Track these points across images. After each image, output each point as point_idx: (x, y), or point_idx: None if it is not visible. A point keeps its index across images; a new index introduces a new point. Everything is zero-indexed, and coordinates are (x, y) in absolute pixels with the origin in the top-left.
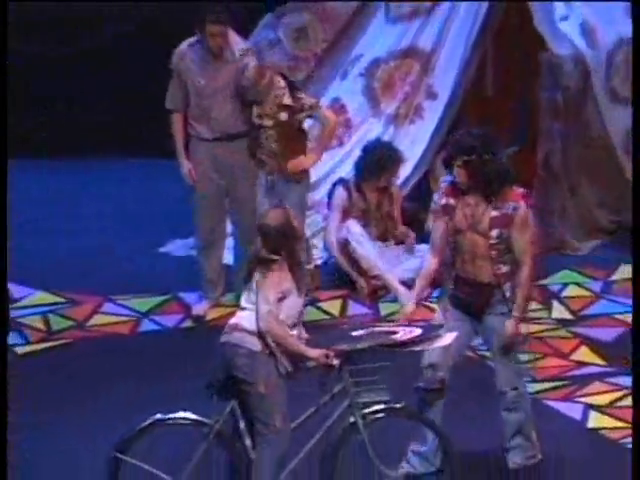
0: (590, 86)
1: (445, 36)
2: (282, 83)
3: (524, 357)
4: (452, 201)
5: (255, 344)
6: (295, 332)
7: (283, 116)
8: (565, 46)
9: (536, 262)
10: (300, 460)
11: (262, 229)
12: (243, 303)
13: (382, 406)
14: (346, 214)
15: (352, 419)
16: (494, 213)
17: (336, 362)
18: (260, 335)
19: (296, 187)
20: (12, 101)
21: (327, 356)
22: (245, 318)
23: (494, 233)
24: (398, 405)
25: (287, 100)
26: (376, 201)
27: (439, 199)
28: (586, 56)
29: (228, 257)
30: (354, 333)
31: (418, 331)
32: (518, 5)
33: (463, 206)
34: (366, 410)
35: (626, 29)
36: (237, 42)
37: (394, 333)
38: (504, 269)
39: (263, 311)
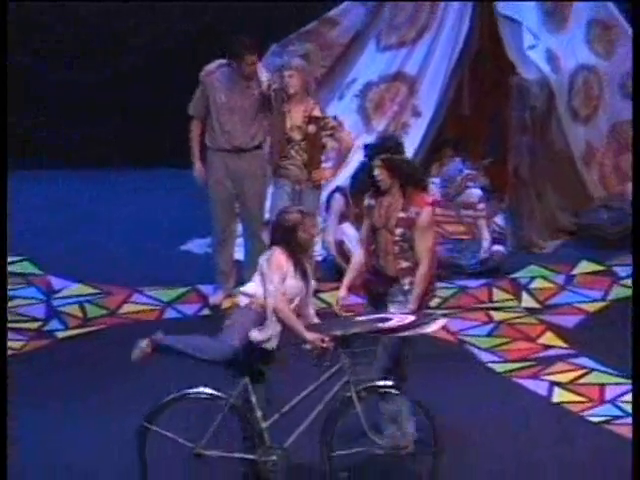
0: (554, 106)
1: (428, 63)
2: (310, 98)
3: (494, 341)
4: (373, 202)
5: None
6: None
7: (311, 128)
8: (532, 71)
9: (434, 263)
10: (304, 428)
11: (282, 224)
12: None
13: (374, 383)
14: (342, 218)
15: (348, 394)
16: (401, 214)
17: (330, 346)
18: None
19: (315, 193)
20: (49, 117)
21: (322, 340)
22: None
23: (398, 231)
24: (388, 382)
25: (317, 112)
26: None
27: (366, 201)
28: (550, 80)
29: (239, 253)
30: (351, 320)
31: (410, 318)
32: (491, 35)
33: (379, 207)
34: (360, 387)
35: (585, 57)
36: (261, 71)
37: (387, 320)
38: (404, 265)
39: (271, 289)
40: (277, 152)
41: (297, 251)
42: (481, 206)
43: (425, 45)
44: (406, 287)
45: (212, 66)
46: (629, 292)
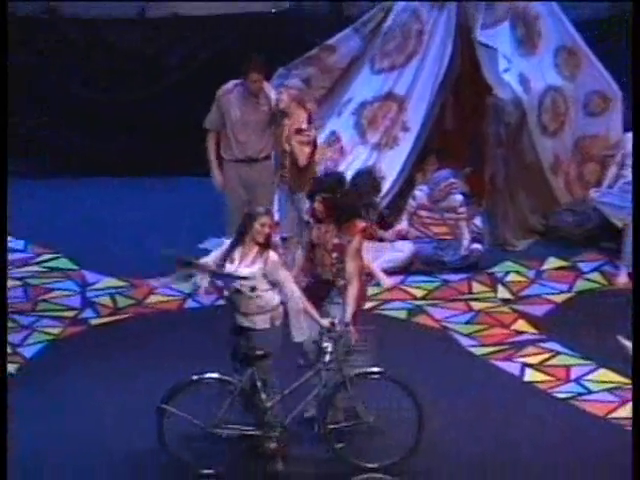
0: (525, 122)
1: (416, 84)
2: (304, 112)
3: (473, 328)
4: (312, 221)
5: (266, 321)
6: None
7: (298, 138)
8: (507, 92)
9: (362, 284)
10: (302, 408)
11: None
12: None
13: (365, 370)
14: None
15: (342, 379)
16: (335, 240)
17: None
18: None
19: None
20: (87, 130)
21: (332, 324)
22: (262, 300)
23: (334, 255)
24: (376, 369)
25: (304, 125)
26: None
27: (305, 217)
28: (522, 100)
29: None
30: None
31: None
32: (471, 60)
33: (317, 228)
34: (352, 372)
35: (552, 79)
36: (269, 89)
37: None
38: (342, 282)
39: (295, 292)
40: (279, 162)
41: (259, 242)
42: (462, 209)
43: (413, 69)
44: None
45: (228, 85)
46: (591, 285)
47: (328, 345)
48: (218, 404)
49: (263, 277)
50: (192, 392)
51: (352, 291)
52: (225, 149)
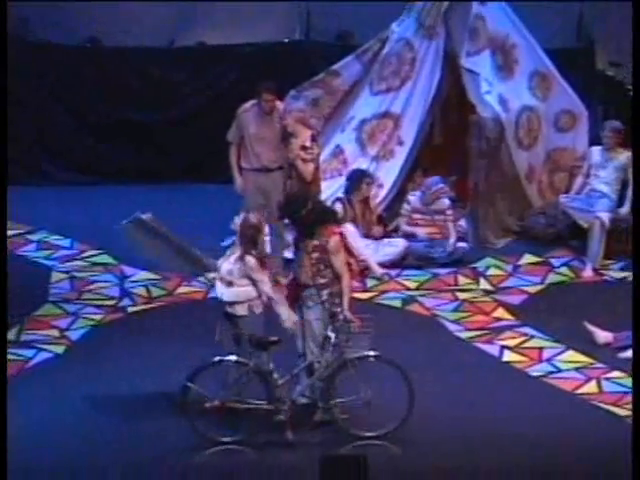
0: (504, 137)
1: (409, 104)
2: (307, 131)
3: (459, 315)
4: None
5: (244, 309)
6: None
7: (302, 154)
8: (488, 111)
9: (352, 274)
10: (307, 384)
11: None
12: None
13: (365, 352)
14: (342, 220)
15: (343, 361)
16: (315, 242)
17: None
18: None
19: None
20: (126, 143)
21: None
22: (234, 293)
23: (314, 255)
24: (373, 353)
25: (307, 143)
26: (361, 211)
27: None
28: (501, 117)
29: (268, 248)
30: None
31: None
32: (456, 83)
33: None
34: (352, 355)
35: (527, 99)
36: (280, 107)
37: None
38: (322, 281)
39: (266, 289)
40: (287, 173)
41: (256, 249)
42: (449, 212)
43: (407, 91)
44: (324, 297)
45: (247, 105)
46: (561, 278)
47: (332, 335)
48: (235, 383)
49: (241, 274)
50: (213, 372)
51: (345, 282)
52: (244, 159)
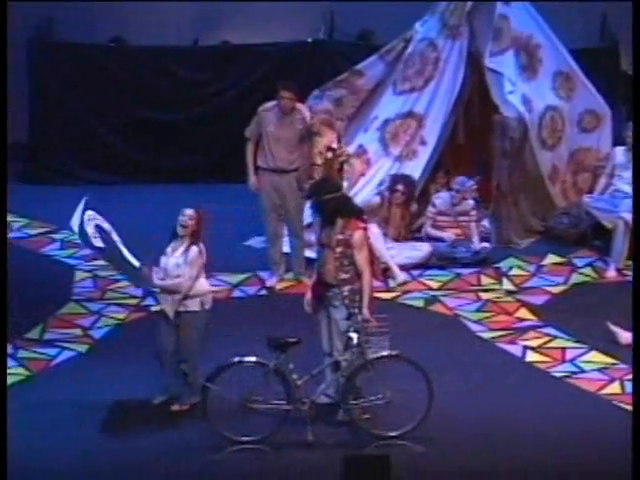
0: (527, 137)
1: (433, 104)
2: (333, 133)
3: (481, 315)
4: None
5: (196, 304)
6: None
7: (329, 154)
8: (511, 111)
9: (374, 271)
10: (328, 385)
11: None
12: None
13: (383, 353)
14: (377, 212)
15: (363, 362)
16: (339, 236)
17: None
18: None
19: None
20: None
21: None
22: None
23: (338, 250)
24: (394, 353)
25: (334, 145)
26: (400, 214)
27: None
28: (525, 118)
29: (286, 247)
30: None
31: None
32: (480, 83)
33: (322, 229)
34: (373, 356)
35: (551, 100)
36: (304, 110)
37: None
38: (343, 276)
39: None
40: (304, 174)
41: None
42: (473, 213)
43: (430, 91)
44: (345, 293)
45: (268, 105)
46: (584, 278)
47: (354, 336)
48: (256, 383)
49: (188, 266)
50: (233, 372)
51: (366, 277)
52: (260, 158)
